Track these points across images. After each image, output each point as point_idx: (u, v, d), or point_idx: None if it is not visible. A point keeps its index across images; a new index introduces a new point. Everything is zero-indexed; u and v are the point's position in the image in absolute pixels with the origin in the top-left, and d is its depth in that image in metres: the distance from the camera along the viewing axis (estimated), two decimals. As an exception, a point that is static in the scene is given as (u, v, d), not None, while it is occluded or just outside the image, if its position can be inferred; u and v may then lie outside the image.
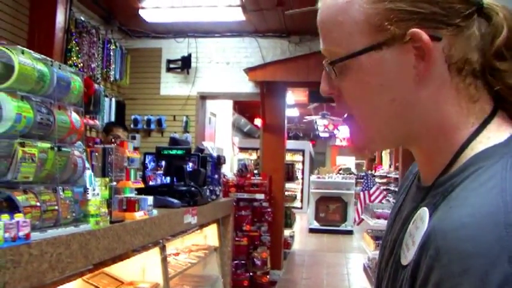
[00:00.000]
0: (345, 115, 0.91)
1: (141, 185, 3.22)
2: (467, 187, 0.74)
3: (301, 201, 20.55)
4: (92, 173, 2.51)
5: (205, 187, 4.66)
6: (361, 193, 8.02)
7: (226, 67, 8.94)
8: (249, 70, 8.68)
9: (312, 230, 14.11)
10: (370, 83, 0.83)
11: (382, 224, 6.45)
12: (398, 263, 0.83)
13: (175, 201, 3.91)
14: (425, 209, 0.79)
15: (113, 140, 4.94)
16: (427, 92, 0.82)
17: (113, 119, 7.75)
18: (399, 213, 0.97)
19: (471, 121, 0.81)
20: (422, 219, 0.78)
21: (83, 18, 7.13)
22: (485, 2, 0.82)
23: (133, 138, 8.33)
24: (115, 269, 3.15)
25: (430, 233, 0.70)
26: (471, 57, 0.81)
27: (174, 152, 4.20)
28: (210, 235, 5.28)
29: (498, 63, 0.80)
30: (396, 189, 10.74)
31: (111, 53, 7.88)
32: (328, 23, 0.86)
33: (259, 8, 7.62)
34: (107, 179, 2.63)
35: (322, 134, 27.10)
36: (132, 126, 8.74)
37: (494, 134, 0.79)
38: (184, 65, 8.72)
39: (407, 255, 0.79)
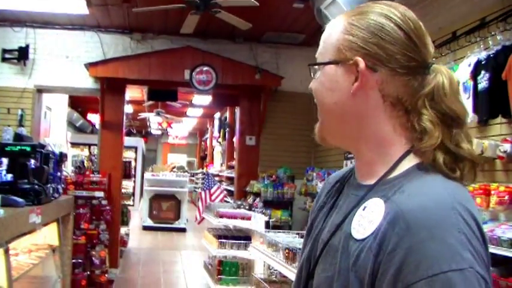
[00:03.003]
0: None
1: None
2: (415, 184, 1.02)
3: (133, 198, 20.28)
4: None
5: (48, 185, 4.53)
6: (202, 192, 8.16)
7: (65, 61, 8.66)
8: (90, 65, 8.48)
9: (145, 228, 14.04)
10: (325, 85, 1.14)
11: (227, 223, 6.63)
12: (350, 237, 1.05)
13: (20, 200, 3.78)
14: (378, 198, 1.04)
15: None
16: (363, 107, 1.10)
17: None
18: (334, 207, 1.21)
19: (403, 141, 1.09)
20: (377, 205, 1.03)
21: None
22: (435, 65, 1.10)
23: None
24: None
25: (398, 212, 0.97)
26: (402, 98, 1.08)
27: (19, 148, 4.03)
28: (49, 234, 5.12)
29: (423, 109, 1.07)
30: (230, 188, 11.13)
31: None
32: (322, 39, 1.18)
33: (104, 3, 7.48)
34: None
35: (154, 131, 27.03)
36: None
37: (419, 156, 1.07)
38: (21, 55, 8.29)
39: (364, 232, 1.02)
